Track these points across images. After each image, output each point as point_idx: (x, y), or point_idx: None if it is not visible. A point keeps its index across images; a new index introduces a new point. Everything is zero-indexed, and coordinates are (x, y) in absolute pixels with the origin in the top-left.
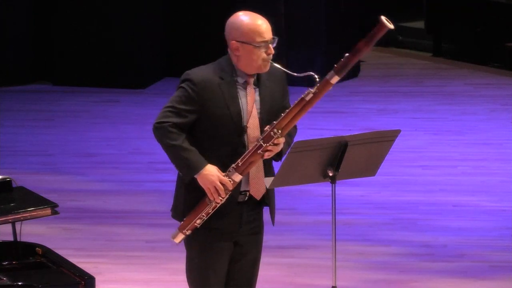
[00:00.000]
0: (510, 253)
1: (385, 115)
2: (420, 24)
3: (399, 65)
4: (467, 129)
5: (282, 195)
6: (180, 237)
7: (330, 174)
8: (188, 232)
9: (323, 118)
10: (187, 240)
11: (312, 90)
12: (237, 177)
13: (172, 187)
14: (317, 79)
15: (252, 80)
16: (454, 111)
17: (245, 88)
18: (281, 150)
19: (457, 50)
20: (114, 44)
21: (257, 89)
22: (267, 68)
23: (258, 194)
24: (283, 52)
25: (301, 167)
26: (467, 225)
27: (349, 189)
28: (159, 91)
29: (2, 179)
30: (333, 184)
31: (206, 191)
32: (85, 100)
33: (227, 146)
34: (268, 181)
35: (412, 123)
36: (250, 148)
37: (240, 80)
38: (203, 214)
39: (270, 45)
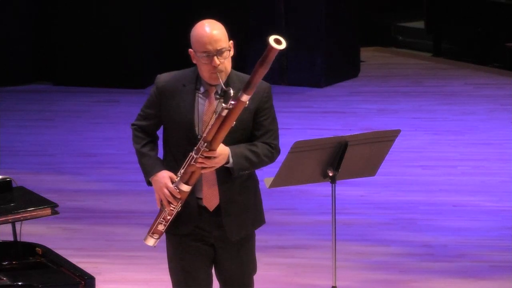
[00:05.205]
0: (510, 253)
1: (385, 115)
2: (420, 24)
3: (399, 65)
4: (467, 129)
5: (282, 195)
6: (150, 240)
7: (330, 174)
8: (155, 236)
9: (323, 118)
10: (166, 243)
11: (225, 106)
12: (184, 187)
13: None
14: (232, 94)
15: (213, 90)
16: (454, 111)
17: (206, 98)
18: (233, 167)
19: (457, 50)
20: (114, 45)
21: (221, 101)
22: (216, 80)
23: (210, 205)
24: (283, 52)
25: (301, 167)
26: (467, 225)
27: (349, 189)
28: None
29: (2, 179)
30: (333, 184)
31: (156, 197)
32: (85, 100)
33: (183, 153)
34: (268, 181)
35: (412, 123)
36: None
37: (202, 89)
38: (162, 219)
39: (215, 58)
